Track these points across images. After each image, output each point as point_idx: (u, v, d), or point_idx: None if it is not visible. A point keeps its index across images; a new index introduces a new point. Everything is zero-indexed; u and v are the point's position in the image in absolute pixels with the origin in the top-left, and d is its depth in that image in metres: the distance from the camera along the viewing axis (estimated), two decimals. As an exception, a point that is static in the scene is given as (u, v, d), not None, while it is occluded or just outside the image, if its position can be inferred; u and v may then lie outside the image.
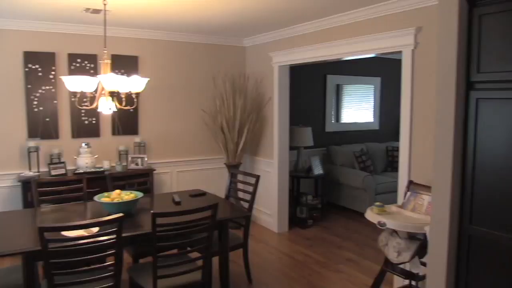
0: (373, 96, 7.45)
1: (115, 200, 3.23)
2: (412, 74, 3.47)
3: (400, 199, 3.53)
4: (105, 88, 3.00)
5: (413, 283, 3.11)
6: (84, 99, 3.21)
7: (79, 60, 4.65)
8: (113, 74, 2.96)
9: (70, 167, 4.61)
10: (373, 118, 7.51)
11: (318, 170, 5.89)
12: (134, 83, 3.12)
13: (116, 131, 4.98)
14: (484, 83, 2.21)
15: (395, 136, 7.42)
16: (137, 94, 3.16)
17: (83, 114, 4.74)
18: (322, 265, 4.34)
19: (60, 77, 3.47)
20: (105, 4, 3.11)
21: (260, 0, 3.56)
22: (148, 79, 3.33)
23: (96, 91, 3.24)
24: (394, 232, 3.05)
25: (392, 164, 6.94)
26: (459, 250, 2.41)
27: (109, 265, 2.58)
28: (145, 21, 4.46)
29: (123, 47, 4.86)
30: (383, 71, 7.39)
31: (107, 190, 3.70)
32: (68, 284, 2.47)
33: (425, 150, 3.44)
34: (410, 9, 3.45)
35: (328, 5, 3.76)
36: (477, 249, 2.33)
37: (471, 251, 2.36)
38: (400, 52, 3.64)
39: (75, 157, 4.62)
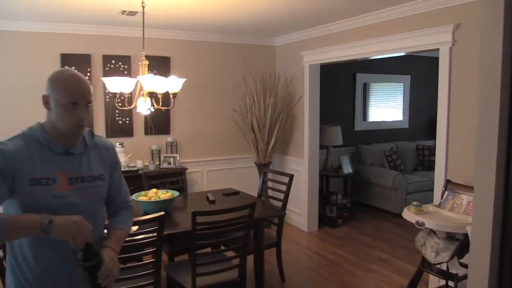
0: (402, 94, 7.35)
1: (153, 199, 3.29)
2: (450, 71, 3.42)
3: (437, 199, 3.48)
4: (144, 88, 3.06)
5: (451, 283, 3.07)
6: (118, 100, 3.27)
7: (113, 61, 4.75)
8: (151, 75, 3.02)
9: (104, 166, 4.70)
10: (402, 117, 7.42)
11: (347, 169, 5.85)
12: (172, 84, 3.17)
13: (148, 130, 5.07)
14: (530, 81, 2.16)
15: (426, 135, 7.39)
16: (174, 94, 3.21)
17: (117, 114, 4.84)
18: (354, 265, 4.32)
19: (101, 78, 3.56)
20: (143, 6, 3.17)
21: (290, 1, 3.57)
22: (185, 79, 3.38)
23: (131, 92, 3.31)
24: (431, 232, 3.02)
25: (422, 163, 6.85)
26: (503, 252, 2.36)
27: (149, 263, 2.64)
28: (178, 22, 4.52)
29: (156, 48, 4.94)
30: (413, 69, 7.28)
31: (141, 189, 3.76)
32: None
33: (462, 150, 3.39)
34: (448, 6, 3.39)
35: (361, 4, 3.73)
36: (522, 250, 2.28)
37: (516, 252, 2.31)
38: (435, 50, 3.59)
39: (110, 156, 4.71)
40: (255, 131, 5.33)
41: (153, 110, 3.35)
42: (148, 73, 3.32)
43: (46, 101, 1.54)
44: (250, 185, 5.48)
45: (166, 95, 3.25)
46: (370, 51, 4.28)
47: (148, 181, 4.01)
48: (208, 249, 3.35)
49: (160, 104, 3.28)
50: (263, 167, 5.17)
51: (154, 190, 3.45)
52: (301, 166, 5.41)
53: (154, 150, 5.04)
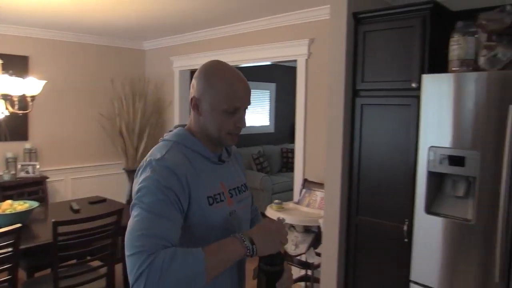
0: (268, 100, 7.83)
1: (7, 211, 3.01)
2: (306, 81, 3.78)
3: (296, 196, 3.81)
4: (-4, 90, 2.80)
5: (309, 272, 3.40)
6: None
7: (-44, 59, 4.22)
8: (6, 76, 2.78)
9: None
10: (268, 122, 7.89)
11: (218, 172, 6.02)
12: (30, 86, 2.96)
13: (2, 137, 4.59)
14: (367, 91, 2.54)
15: (289, 139, 7.94)
16: (33, 97, 3.00)
17: (-38, 119, 4.30)
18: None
19: None
20: (-4, 1, 2.90)
21: (161, 5, 3.59)
22: (46, 81, 3.17)
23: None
24: (291, 226, 3.31)
25: (286, 165, 7.36)
26: (348, 238, 2.72)
27: (4, 281, 2.44)
28: (38, 19, 4.20)
29: (11, 46, 4.51)
30: (278, 77, 7.80)
31: (-7, 201, 3.41)
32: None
33: (317, 151, 3.76)
34: (304, 22, 3.76)
35: (229, 14, 3.92)
36: (363, 236, 2.64)
37: (358, 238, 2.67)
38: (295, 60, 3.94)
39: (-47, 166, 4.18)
40: (124, 136, 5.19)
41: (7, 114, 3.07)
42: (3, 73, 3.04)
43: (195, 104, 1.28)
44: (118, 191, 5.31)
45: (23, 97, 3.02)
46: (238, 59, 4.50)
47: (2, 192, 3.66)
48: (74, 261, 3.18)
49: (16, 107, 3.03)
50: (132, 173, 5.05)
51: (9, 201, 3.16)
52: (173, 171, 5.42)
53: (9, 158, 4.59)
